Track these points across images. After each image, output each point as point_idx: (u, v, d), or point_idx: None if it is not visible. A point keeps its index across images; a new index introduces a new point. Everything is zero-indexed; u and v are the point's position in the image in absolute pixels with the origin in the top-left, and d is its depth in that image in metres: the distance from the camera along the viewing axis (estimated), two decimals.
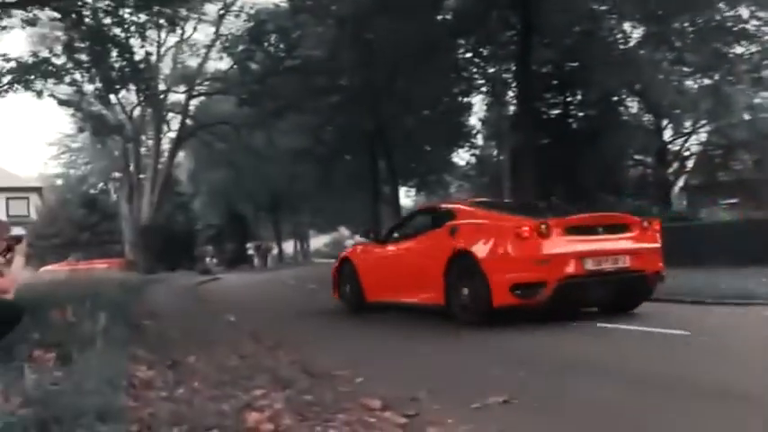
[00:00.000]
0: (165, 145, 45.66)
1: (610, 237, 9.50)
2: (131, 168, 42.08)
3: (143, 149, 45.65)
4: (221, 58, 39.25)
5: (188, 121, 43.25)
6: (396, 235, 12.04)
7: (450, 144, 43.23)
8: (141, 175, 42.68)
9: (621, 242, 9.54)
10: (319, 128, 39.24)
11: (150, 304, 12.05)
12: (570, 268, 9.09)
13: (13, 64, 24.44)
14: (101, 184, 62.11)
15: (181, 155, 52.60)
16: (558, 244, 9.09)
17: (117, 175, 52.77)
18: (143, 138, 45.22)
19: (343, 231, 57.00)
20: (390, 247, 11.77)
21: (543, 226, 9.06)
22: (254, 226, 62.49)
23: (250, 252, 52.13)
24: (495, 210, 10.24)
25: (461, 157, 59.59)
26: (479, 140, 43.60)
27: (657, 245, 9.82)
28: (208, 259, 48.33)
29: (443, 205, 11.32)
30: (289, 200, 57.41)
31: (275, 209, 59.36)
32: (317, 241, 78.06)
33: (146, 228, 39.72)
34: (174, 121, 44.92)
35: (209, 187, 55.72)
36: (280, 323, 11.34)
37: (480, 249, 9.39)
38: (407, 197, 61.36)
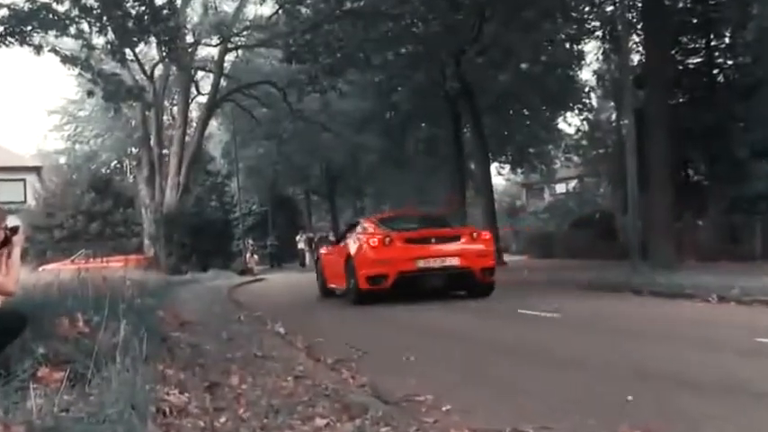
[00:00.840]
0: (194, 112, 45.77)
1: (440, 244, 17.55)
2: (152, 142, 41.62)
3: (166, 118, 45.77)
4: (263, 2, 39.05)
5: (222, 82, 43.03)
6: (340, 239, 20.81)
7: (554, 106, 42.76)
8: (164, 151, 42.73)
9: (449, 247, 17.53)
10: (388, 88, 39.12)
11: (180, 312, 12.13)
12: (405, 266, 17.21)
13: (4, 12, 24.54)
14: (114, 162, 62.91)
15: (213, 124, 52.69)
16: (397, 250, 17.35)
17: (134, 150, 53.43)
18: (166, 104, 45.53)
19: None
20: (335, 249, 20.47)
21: (387, 238, 17.54)
22: (305, 213, 63.12)
23: (300, 246, 52.36)
24: (379, 224, 19.11)
25: (570, 122, 58.50)
26: (593, 101, 43.01)
27: (486, 248, 17.79)
28: (248, 255, 48.66)
29: (360, 219, 21.49)
30: (349, 180, 57.32)
31: (332, 191, 59.48)
32: None
33: (170, 216, 39.87)
34: (206, 81, 45.18)
35: (248, 165, 55.94)
36: (341, 333, 11.49)
37: (355, 253, 17.93)
38: (500, 175, 60.89)
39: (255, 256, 49.04)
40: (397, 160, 45.64)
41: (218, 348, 8.49)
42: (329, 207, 62.36)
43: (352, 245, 18.38)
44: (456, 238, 17.99)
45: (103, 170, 59.33)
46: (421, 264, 17.37)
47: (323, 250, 22.09)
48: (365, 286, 17.57)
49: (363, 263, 17.66)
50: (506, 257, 36.78)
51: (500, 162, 51.24)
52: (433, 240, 17.74)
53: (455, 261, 17.51)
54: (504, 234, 46.24)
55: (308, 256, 50.06)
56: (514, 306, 14.80)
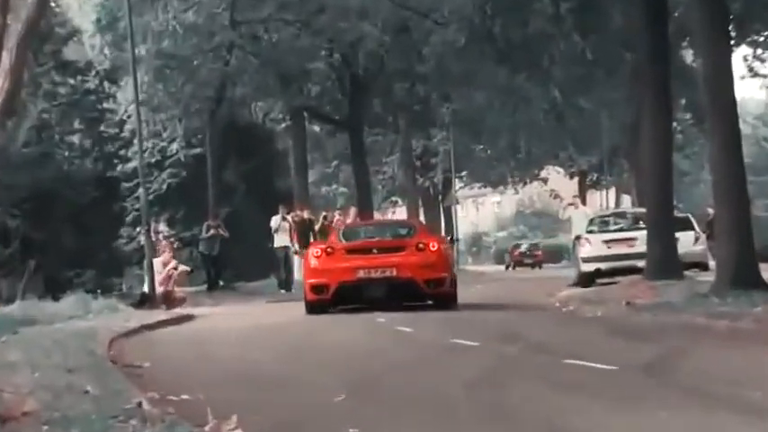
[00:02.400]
0: None
1: (381, 254, 19.06)
2: None
3: None
4: None
5: None
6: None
7: None
8: None
9: (390, 258, 18.92)
10: None
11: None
12: (345, 276, 18.68)
13: None
14: None
15: None
16: (339, 260, 18.96)
17: None
18: None
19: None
20: None
21: (329, 248, 19.39)
22: (294, 166, 40.43)
23: (280, 241, 30.67)
24: (334, 234, 22.00)
25: None
26: None
27: (433, 259, 18.81)
28: (162, 261, 24.91)
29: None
30: (394, 93, 40.82)
31: (357, 117, 40.48)
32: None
33: None
34: None
35: (162, 50, 32.05)
36: None
37: (305, 261, 20.42)
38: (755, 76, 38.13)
39: (181, 267, 25.54)
40: (503, 54, 31.89)
41: None
42: (352, 152, 42.50)
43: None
44: (399, 249, 19.31)
45: None
46: (361, 274, 18.74)
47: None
48: (312, 297, 19.06)
49: (308, 272, 19.45)
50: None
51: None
52: (374, 251, 19.31)
53: (394, 272, 18.74)
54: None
55: (295, 263, 30.68)
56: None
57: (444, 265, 19.27)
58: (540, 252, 69.92)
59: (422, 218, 53.20)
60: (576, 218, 31.48)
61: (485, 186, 75.44)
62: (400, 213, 64.70)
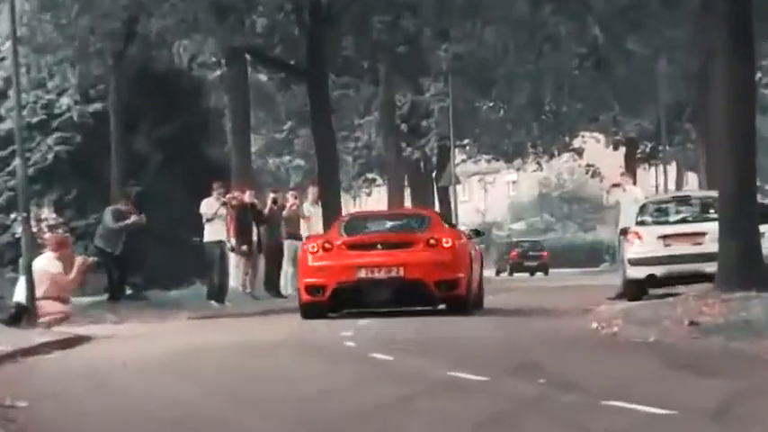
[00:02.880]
0: None
1: (387, 251, 22.19)
2: None
3: None
4: None
5: None
6: None
7: None
8: None
9: (397, 255, 22.03)
10: None
11: None
12: (344, 275, 21.97)
13: None
14: None
15: None
16: (337, 256, 22.30)
17: None
18: None
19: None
20: None
21: (326, 243, 22.60)
22: (232, 127, 42.53)
23: (213, 234, 30.48)
24: (335, 226, 25.22)
25: None
26: None
27: (446, 257, 21.95)
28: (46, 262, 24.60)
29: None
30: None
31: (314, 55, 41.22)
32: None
33: None
34: None
35: None
36: None
37: (302, 258, 23.96)
38: None
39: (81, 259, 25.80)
40: None
41: None
42: (311, 111, 43.67)
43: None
44: (408, 245, 22.36)
45: None
46: (362, 273, 21.74)
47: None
48: (306, 298, 22.38)
49: (302, 271, 23.01)
50: None
51: None
52: (379, 246, 22.33)
53: (401, 271, 21.65)
54: None
55: (232, 264, 32.36)
56: None
57: (459, 264, 22.15)
58: (545, 252, 70.44)
59: (408, 202, 53.26)
60: (623, 203, 30.48)
61: (495, 160, 74.12)
62: (378, 197, 64.63)
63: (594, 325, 20.13)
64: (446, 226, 26.11)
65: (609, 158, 67.49)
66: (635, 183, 44.20)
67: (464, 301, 22.18)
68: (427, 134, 60.04)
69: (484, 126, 60.61)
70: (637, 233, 26.21)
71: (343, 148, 54.34)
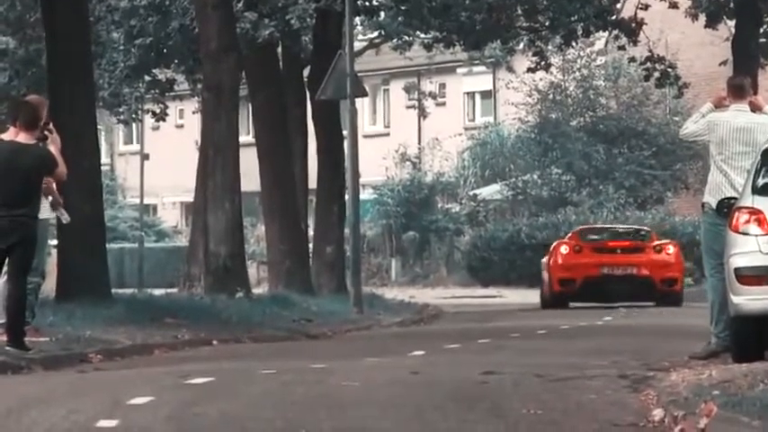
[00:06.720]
0: None
1: (624, 254, 38.61)
2: None
3: None
4: None
5: None
6: None
7: None
8: None
9: (632, 257, 38.66)
10: None
11: None
12: (590, 271, 38.24)
13: None
14: None
15: None
16: (585, 257, 39.32)
17: None
18: None
19: None
20: None
21: (576, 246, 40.49)
22: None
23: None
24: (575, 234, 45.62)
25: None
26: None
27: (669, 259, 38.38)
28: None
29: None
30: None
31: None
32: None
33: None
34: None
35: None
36: None
37: (548, 260, 42.18)
38: None
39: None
40: None
41: None
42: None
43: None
44: (639, 250, 34.87)
45: None
46: (605, 270, 33.18)
47: None
48: (557, 288, 36.33)
49: (556, 267, 36.14)
50: None
51: None
52: (618, 251, 34.77)
53: (635, 270, 32.99)
54: None
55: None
56: None
57: (679, 266, 36.17)
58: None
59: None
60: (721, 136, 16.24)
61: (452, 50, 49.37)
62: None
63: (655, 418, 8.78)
64: (661, 237, 41.01)
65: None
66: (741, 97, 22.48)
67: (678, 297, 33.28)
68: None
69: None
70: (757, 212, 12.85)
71: None
